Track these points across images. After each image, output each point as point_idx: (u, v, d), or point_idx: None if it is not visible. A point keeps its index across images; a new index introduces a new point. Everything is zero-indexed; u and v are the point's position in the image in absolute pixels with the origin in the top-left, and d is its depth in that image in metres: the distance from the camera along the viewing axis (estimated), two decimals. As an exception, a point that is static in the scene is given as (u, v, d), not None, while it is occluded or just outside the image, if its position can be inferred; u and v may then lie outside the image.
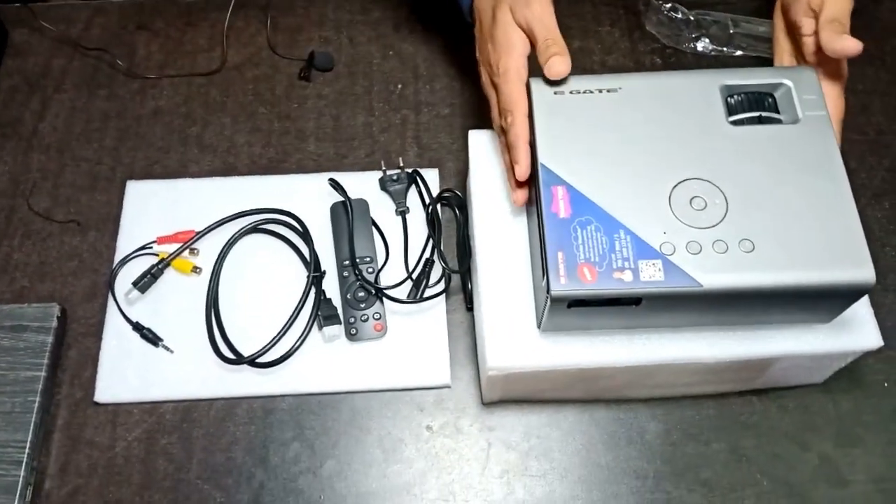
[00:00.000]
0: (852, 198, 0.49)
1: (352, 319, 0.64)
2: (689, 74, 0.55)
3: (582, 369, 0.54)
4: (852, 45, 0.51)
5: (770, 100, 0.53)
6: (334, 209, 0.69)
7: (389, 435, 0.62)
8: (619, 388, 0.61)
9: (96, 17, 0.82)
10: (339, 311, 0.65)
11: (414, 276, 0.66)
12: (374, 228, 0.68)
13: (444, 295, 0.65)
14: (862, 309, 0.54)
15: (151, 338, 0.64)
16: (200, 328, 0.65)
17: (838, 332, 0.54)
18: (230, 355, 0.63)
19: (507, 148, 0.54)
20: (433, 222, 0.67)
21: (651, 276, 0.47)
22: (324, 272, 0.66)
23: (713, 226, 0.48)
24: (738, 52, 0.78)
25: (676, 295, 0.47)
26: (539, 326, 0.53)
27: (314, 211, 0.69)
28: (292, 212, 0.69)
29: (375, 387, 0.63)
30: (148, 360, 0.64)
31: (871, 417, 0.62)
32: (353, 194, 0.69)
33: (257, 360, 0.63)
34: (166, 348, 0.64)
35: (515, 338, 0.54)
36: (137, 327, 0.65)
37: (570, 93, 0.53)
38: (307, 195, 0.70)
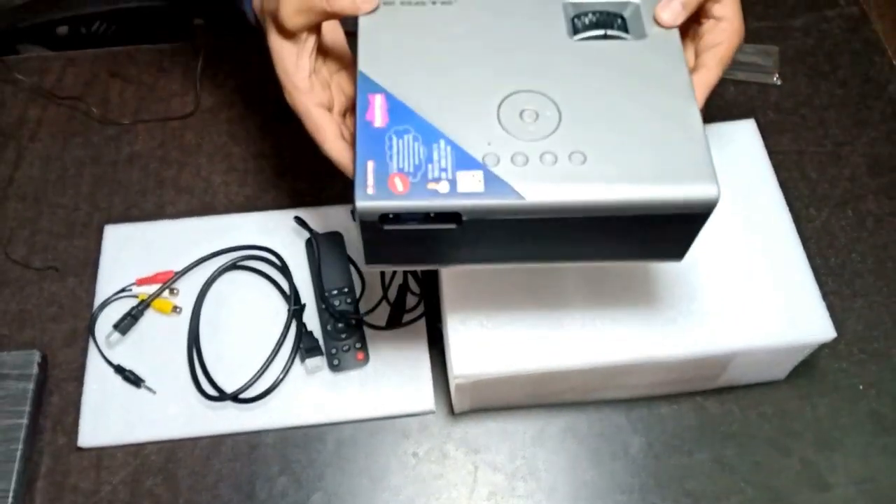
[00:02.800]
0: (698, 113, 0.45)
1: (333, 350, 0.65)
2: None
3: (544, 373, 0.55)
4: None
5: (619, 20, 0.49)
6: (309, 243, 0.70)
7: (376, 463, 0.62)
8: (585, 391, 0.62)
9: (69, 67, 0.84)
10: (321, 342, 0.65)
11: (391, 302, 0.67)
12: (349, 259, 0.69)
13: (423, 319, 0.66)
14: (813, 301, 0.56)
15: (133, 379, 0.64)
16: (182, 367, 0.65)
17: (792, 326, 0.56)
18: (213, 392, 0.63)
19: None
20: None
21: (470, 188, 0.42)
22: (304, 305, 0.67)
23: (543, 138, 0.44)
24: (698, 74, 0.80)
25: (497, 209, 0.43)
26: (366, 261, 0.49)
27: (293, 245, 0.70)
28: (271, 247, 0.70)
29: (360, 416, 0.63)
30: (130, 402, 0.64)
31: (848, 420, 0.63)
32: (329, 227, 0.70)
33: (240, 396, 0.63)
34: (149, 389, 0.64)
35: (480, 345, 0.55)
36: (119, 370, 0.65)
37: (401, 3, 0.49)
38: (285, 230, 0.71)
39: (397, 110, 0.45)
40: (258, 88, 0.82)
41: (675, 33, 0.48)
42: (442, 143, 0.44)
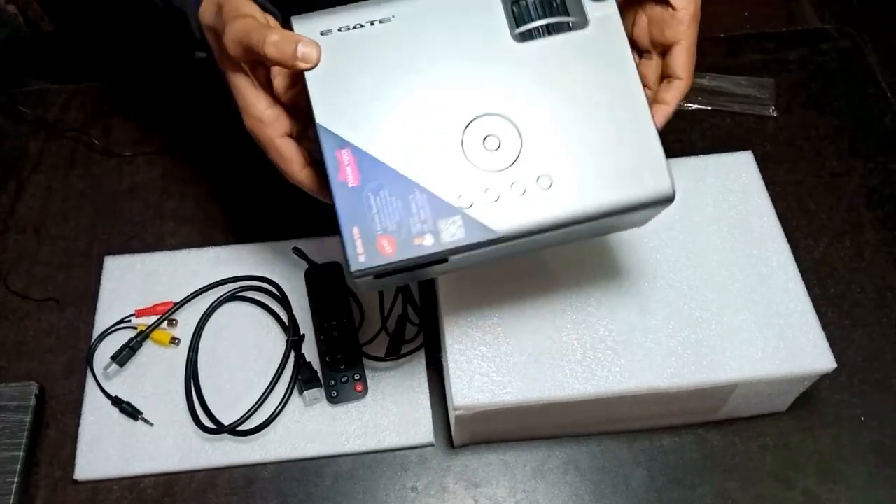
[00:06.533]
0: (647, 110, 0.46)
1: (332, 382, 0.65)
2: None
3: (545, 404, 0.55)
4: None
5: (557, 2, 0.48)
6: (307, 275, 0.70)
7: (374, 498, 0.61)
8: (586, 423, 0.61)
9: (73, 100, 0.84)
10: (320, 373, 0.65)
11: (389, 333, 0.66)
12: (348, 290, 0.69)
13: (422, 350, 0.66)
14: (813, 331, 0.56)
15: (130, 412, 0.64)
16: (180, 399, 0.64)
17: (792, 357, 0.55)
18: (210, 425, 0.63)
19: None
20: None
21: (452, 235, 0.44)
22: (303, 336, 0.67)
23: (509, 166, 0.45)
24: (694, 106, 0.81)
25: (478, 246, 0.45)
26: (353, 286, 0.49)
27: (292, 276, 0.70)
28: (270, 278, 0.70)
29: (358, 449, 0.63)
30: (127, 435, 0.63)
31: (850, 452, 0.62)
32: (328, 258, 0.70)
33: (238, 429, 0.62)
34: (146, 421, 0.64)
35: (480, 376, 0.55)
36: (116, 402, 0.64)
37: (339, 30, 0.47)
38: (284, 261, 0.71)
39: (366, 163, 0.45)
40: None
41: (616, 15, 0.48)
42: (417, 193, 0.45)
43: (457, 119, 0.46)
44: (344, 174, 0.45)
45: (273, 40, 0.44)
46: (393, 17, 0.47)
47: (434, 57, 0.47)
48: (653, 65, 0.54)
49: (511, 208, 0.45)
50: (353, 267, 0.44)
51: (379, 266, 0.44)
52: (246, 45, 0.45)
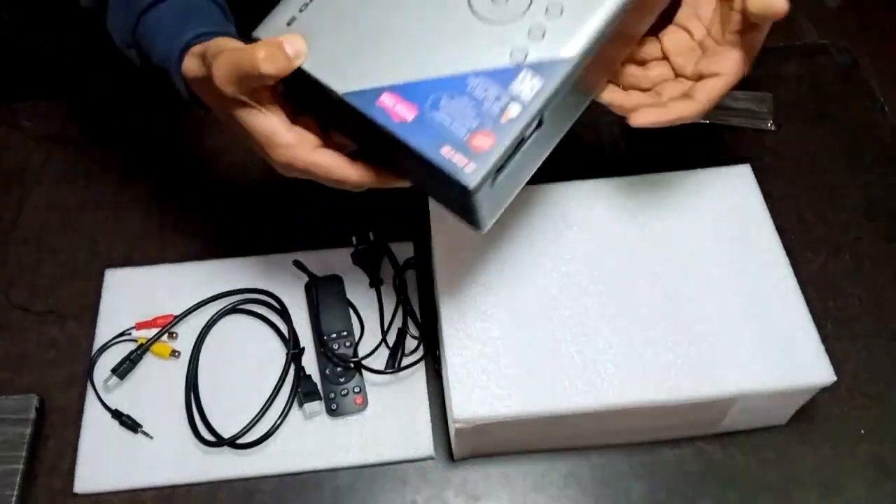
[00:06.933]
0: None
1: (332, 395, 0.65)
2: None
3: (545, 417, 0.55)
4: (780, 4, 0.47)
5: None
6: (308, 287, 0.70)
7: (374, 511, 0.61)
8: (586, 436, 0.61)
9: (74, 113, 0.85)
10: (319, 386, 0.65)
11: (389, 345, 0.67)
12: (349, 303, 0.69)
13: (422, 363, 0.66)
14: (812, 344, 0.56)
15: (130, 424, 0.64)
16: (180, 412, 0.64)
17: (791, 370, 0.55)
18: (210, 438, 0.63)
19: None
20: (400, 292, 0.69)
21: (532, 89, 0.42)
22: (303, 349, 0.67)
23: (528, 7, 0.44)
24: (707, 122, 0.81)
25: (561, 86, 0.43)
26: (479, 228, 0.47)
27: (292, 289, 0.70)
28: (270, 291, 0.70)
29: (358, 462, 0.63)
30: (127, 448, 0.63)
31: (850, 465, 0.62)
32: (329, 270, 0.70)
33: (238, 442, 0.62)
34: (146, 434, 0.64)
35: (480, 388, 0.55)
36: (116, 414, 0.64)
37: (300, 11, 0.45)
38: (285, 274, 0.71)
39: (408, 92, 0.43)
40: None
41: None
42: (471, 80, 0.43)
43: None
44: (398, 115, 0.43)
45: (262, 56, 0.42)
46: None
47: None
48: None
49: (563, 30, 0.43)
50: (470, 182, 0.41)
51: (490, 164, 0.41)
52: (239, 75, 0.43)
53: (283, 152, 0.46)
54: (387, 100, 0.43)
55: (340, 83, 0.44)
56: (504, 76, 0.43)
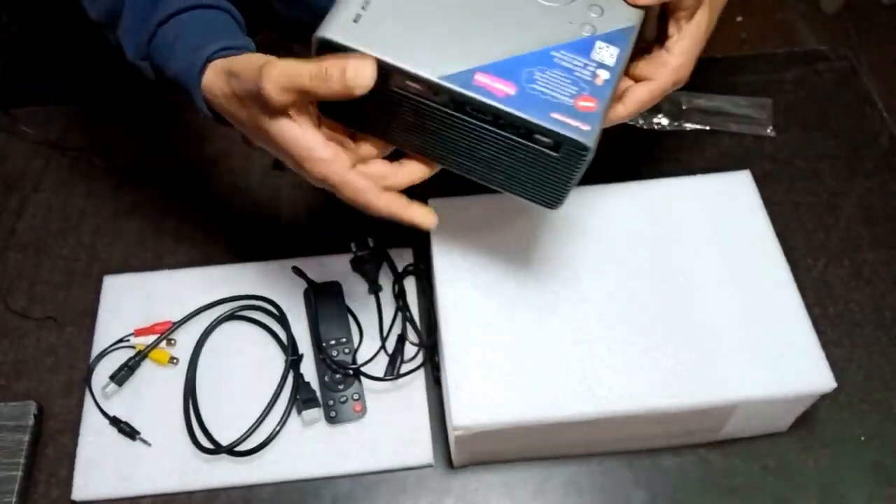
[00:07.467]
0: None
1: (331, 402, 0.64)
2: None
3: (545, 424, 0.54)
4: None
5: None
6: (306, 294, 0.70)
7: (373, 518, 0.61)
8: (586, 443, 0.61)
9: (74, 120, 0.85)
10: (318, 393, 0.65)
11: (388, 352, 0.66)
12: (347, 309, 0.69)
13: (421, 370, 0.66)
14: (813, 351, 0.56)
15: (129, 431, 0.64)
16: (178, 419, 0.64)
17: (792, 377, 0.55)
18: (208, 445, 0.63)
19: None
20: (399, 298, 0.69)
21: (612, 55, 0.47)
22: (301, 355, 0.67)
23: None
24: (692, 126, 0.81)
25: (630, 49, 0.48)
26: (559, 202, 0.50)
27: (291, 295, 0.70)
28: (269, 297, 0.70)
29: (357, 470, 0.63)
30: (125, 455, 0.63)
31: (851, 473, 0.62)
32: (327, 277, 0.70)
33: (236, 449, 0.62)
34: (144, 441, 0.63)
35: (480, 396, 0.55)
36: (115, 421, 0.64)
37: (364, 7, 0.45)
38: (284, 280, 0.71)
39: (500, 69, 0.45)
40: (259, 140, 0.83)
41: None
42: (557, 53, 0.46)
43: None
44: (499, 90, 0.45)
45: (336, 74, 0.42)
46: None
47: None
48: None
49: (617, 6, 0.48)
50: (588, 139, 0.44)
51: (600, 122, 0.45)
52: (298, 88, 0.43)
53: (321, 168, 0.46)
54: (482, 79, 0.45)
55: (431, 70, 0.45)
56: (582, 47, 0.47)
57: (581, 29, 0.47)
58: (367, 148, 0.50)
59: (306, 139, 0.46)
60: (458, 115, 0.46)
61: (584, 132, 0.44)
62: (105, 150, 0.82)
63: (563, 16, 0.48)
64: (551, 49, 0.46)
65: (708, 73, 0.86)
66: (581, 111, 0.45)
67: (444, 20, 0.46)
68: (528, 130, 0.45)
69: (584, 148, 0.45)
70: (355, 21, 0.45)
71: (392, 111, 0.48)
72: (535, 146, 0.46)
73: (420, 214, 0.49)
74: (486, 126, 0.46)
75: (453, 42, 0.46)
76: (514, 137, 0.46)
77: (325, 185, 0.47)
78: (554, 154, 0.46)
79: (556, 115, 0.45)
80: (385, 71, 0.44)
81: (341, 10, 0.45)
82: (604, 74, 0.46)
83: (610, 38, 0.47)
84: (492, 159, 0.49)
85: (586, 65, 0.46)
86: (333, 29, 0.45)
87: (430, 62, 0.45)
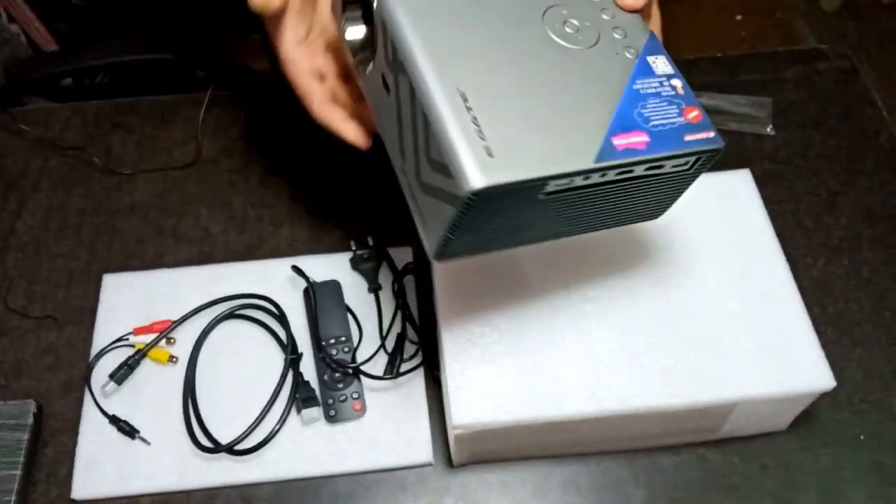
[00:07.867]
0: None
1: (330, 401, 0.64)
2: None
3: (545, 423, 0.54)
4: None
5: None
6: (306, 292, 0.70)
7: (372, 517, 0.61)
8: (586, 442, 0.61)
9: (73, 118, 0.85)
10: (318, 392, 0.65)
11: (388, 351, 0.66)
12: (347, 308, 0.69)
13: (421, 369, 0.66)
14: (812, 350, 0.56)
15: (128, 430, 0.64)
16: (177, 418, 0.64)
17: (791, 376, 0.55)
18: (207, 444, 0.63)
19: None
20: (399, 297, 0.69)
21: (666, 63, 0.49)
22: (301, 354, 0.67)
23: (597, 20, 0.50)
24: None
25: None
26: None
27: (290, 294, 0.70)
28: (268, 296, 0.70)
29: (356, 469, 0.63)
30: (125, 454, 0.63)
31: (850, 472, 0.62)
32: (326, 276, 0.70)
33: (235, 448, 0.62)
34: (143, 440, 0.63)
35: (480, 395, 0.55)
36: (114, 420, 0.64)
37: (482, 136, 0.42)
38: (283, 279, 0.71)
39: (620, 124, 0.45)
40: (258, 139, 0.83)
41: None
42: (637, 86, 0.47)
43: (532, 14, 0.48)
44: (639, 143, 0.45)
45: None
46: None
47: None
48: None
49: (631, 21, 0.51)
50: (720, 142, 0.47)
51: (713, 124, 0.47)
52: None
53: (286, 68, 0.54)
54: (619, 141, 0.45)
55: (577, 162, 0.43)
56: (645, 69, 0.48)
57: (627, 54, 0.49)
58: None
59: (277, 36, 0.54)
60: (604, 186, 0.46)
61: (714, 139, 0.47)
62: (104, 150, 0.82)
63: (604, 52, 0.48)
64: (630, 85, 0.47)
65: (708, 72, 0.86)
66: (694, 122, 0.47)
67: (534, 112, 0.45)
68: (662, 163, 0.47)
69: (717, 151, 0.47)
70: (490, 156, 0.42)
71: (529, 217, 0.47)
72: (673, 172, 0.48)
73: (352, 131, 0.54)
74: (629, 180, 0.47)
75: (565, 127, 0.45)
76: (653, 174, 0.47)
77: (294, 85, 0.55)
78: (689, 171, 0.48)
79: (688, 137, 0.46)
80: (537, 184, 0.43)
81: (464, 150, 0.42)
82: (677, 83, 0.48)
83: (649, 51, 0.49)
84: (614, 209, 0.50)
85: (661, 82, 0.48)
86: (479, 177, 0.41)
87: (570, 154, 0.44)
